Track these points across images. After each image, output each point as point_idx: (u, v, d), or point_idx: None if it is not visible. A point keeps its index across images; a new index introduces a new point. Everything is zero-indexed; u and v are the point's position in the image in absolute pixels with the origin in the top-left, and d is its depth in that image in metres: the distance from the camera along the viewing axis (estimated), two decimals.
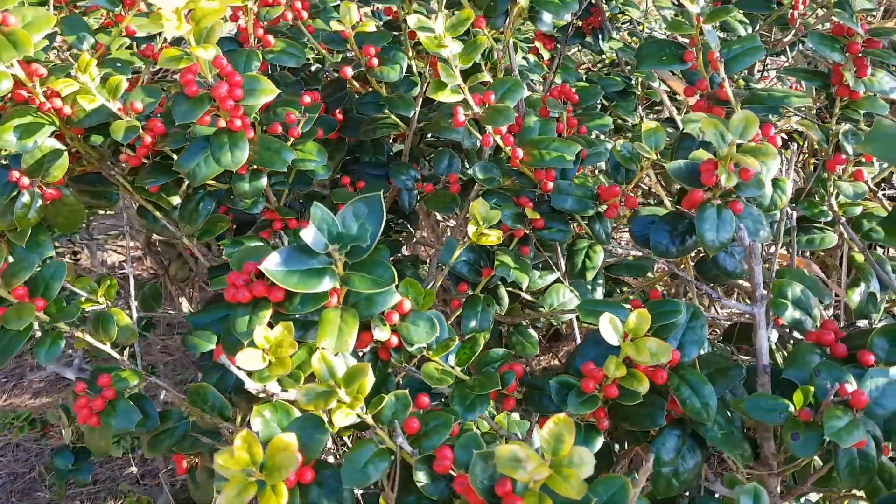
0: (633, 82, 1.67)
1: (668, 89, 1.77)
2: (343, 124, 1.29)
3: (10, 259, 1.20)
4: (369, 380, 0.73)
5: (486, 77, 0.99)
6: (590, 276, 1.26)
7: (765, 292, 0.82)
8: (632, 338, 0.78)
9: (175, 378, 2.43)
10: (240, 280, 0.78)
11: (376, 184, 1.33)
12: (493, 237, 1.04)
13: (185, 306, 1.90)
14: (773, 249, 0.95)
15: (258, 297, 0.78)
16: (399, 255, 1.53)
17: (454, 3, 1.19)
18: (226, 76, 0.92)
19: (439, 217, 2.18)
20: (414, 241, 1.92)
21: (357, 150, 1.44)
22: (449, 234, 2.19)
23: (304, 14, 1.21)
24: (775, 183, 0.94)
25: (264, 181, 1.09)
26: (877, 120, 0.74)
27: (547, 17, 1.10)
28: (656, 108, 1.91)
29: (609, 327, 0.78)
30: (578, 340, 1.37)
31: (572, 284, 1.25)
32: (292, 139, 1.10)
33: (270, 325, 0.78)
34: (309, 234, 0.76)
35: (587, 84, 1.34)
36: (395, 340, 0.86)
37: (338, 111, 1.27)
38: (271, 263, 0.74)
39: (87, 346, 1.08)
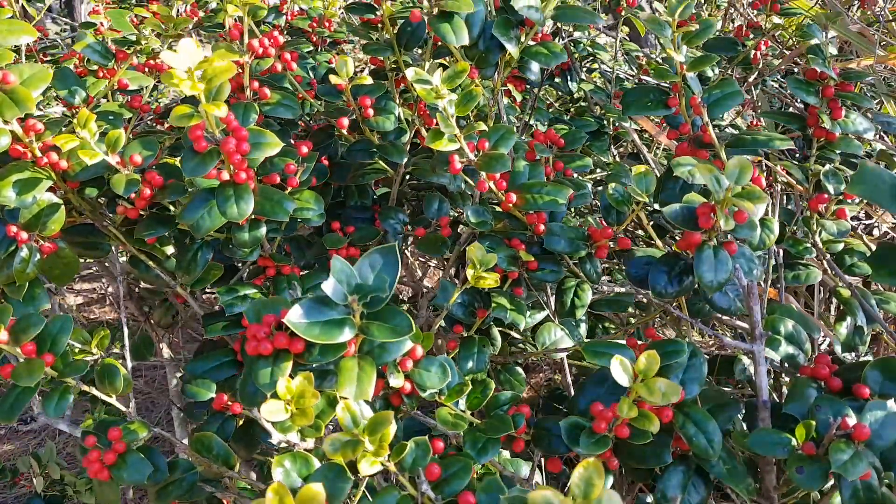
0: (605, 122, 1.73)
1: (638, 128, 1.85)
2: (330, 170, 1.32)
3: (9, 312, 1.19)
4: (392, 428, 0.75)
5: (483, 127, 1.03)
6: (579, 314, 1.29)
7: (763, 331, 0.86)
8: (642, 378, 0.81)
9: (151, 418, 2.39)
10: (261, 333, 0.79)
11: (365, 228, 1.35)
12: (491, 280, 1.07)
13: (166, 352, 1.88)
14: (762, 286, 0.99)
15: (280, 349, 0.79)
16: None
17: (440, 53, 1.23)
18: (233, 131, 0.93)
19: (410, 258, 2.21)
20: None
21: (342, 195, 1.46)
22: (422, 273, 2.21)
23: (294, 65, 1.23)
24: (763, 223, 0.99)
25: (263, 230, 1.10)
26: (861, 163, 0.80)
27: (535, 67, 1.15)
28: (619, 144, 1.96)
29: (620, 369, 0.81)
30: (569, 378, 1.40)
31: (561, 322, 1.29)
32: (290, 188, 1.12)
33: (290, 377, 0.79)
34: (329, 286, 0.78)
35: (570, 129, 1.39)
36: (408, 386, 0.88)
37: (323, 159, 1.30)
38: (295, 316, 0.76)
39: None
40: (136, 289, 1.80)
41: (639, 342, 1.08)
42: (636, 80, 2.04)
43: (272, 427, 0.77)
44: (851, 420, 0.76)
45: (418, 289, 2.19)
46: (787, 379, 1.07)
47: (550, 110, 1.93)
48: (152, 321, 1.70)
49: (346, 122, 1.14)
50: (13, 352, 0.93)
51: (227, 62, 0.84)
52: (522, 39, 1.12)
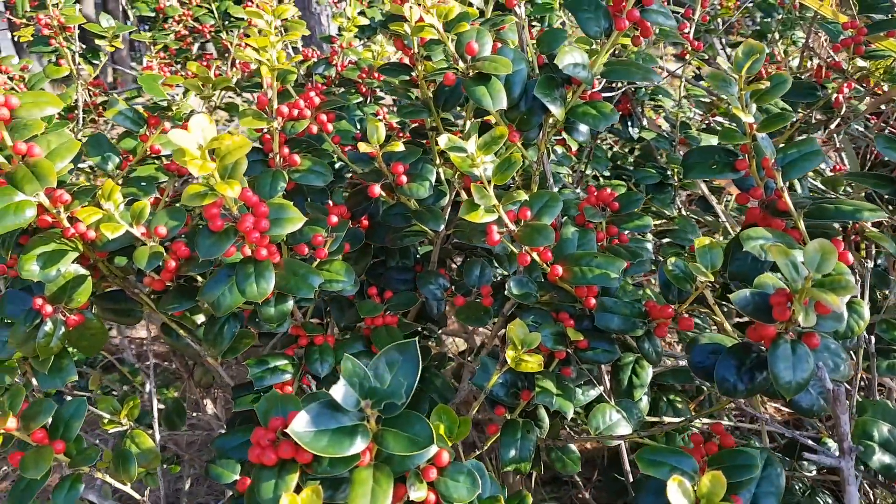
0: (668, 173, 1.61)
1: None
2: (369, 230, 1.25)
3: (34, 381, 1.17)
4: None
5: (524, 197, 0.93)
6: (638, 394, 1.18)
7: (853, 444, 0.73)
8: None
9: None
10: (265, 439, 0.72)
11: (403, 294, 1.27)
12: (533, 364, 0.97)
13: (210, 408, 1.84)
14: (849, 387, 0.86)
15: (285, 460, 0.71)
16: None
17: (482, 111, 1.15)
18: (252, 207, 0.87)
19: None
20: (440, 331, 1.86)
21: (383, 253, 1.39)
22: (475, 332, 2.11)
23: (330, 127, 1.17)
24: (850, 306, 0.86)
25: (290, 304, 1.04)
26: None
27: (583, 128, 1.05)
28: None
29: (678, 493, 0.69)
30: (627, 466, 1.27)
31: (618, 403, 1.17)
32: (318, 260, 1.05)
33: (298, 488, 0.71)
34: (339, 391, 0.70)
35: (627, 187, 1.28)
36: (432, 498, 0.78)
37: (363, 218, 1.23)
38: (299, 425, 0.68)
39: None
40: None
41: (704, 442, 0.95)
42: (705, 124, 1.91)
43: None
44: None
45: (472, 343, 2.09)
46: (882, 492, 0.92)
47: (613, 151, 1.82)
48: (193, 379, 1.66)
49: (377, 189, 1.07)
50: (23, 438, 0.89)
51: (241, 139, 0.78)
52: (569, 99, 1.03)
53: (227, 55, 1.95)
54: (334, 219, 1.04)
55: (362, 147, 1.00)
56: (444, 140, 0.93)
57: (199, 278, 1.10)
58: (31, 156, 0.97)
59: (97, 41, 1.67)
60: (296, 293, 0.96)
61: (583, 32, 0.99)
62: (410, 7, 0.96)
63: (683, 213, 1.65)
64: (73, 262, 1.03)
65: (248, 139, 0.79)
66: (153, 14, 2.16)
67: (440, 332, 1.49)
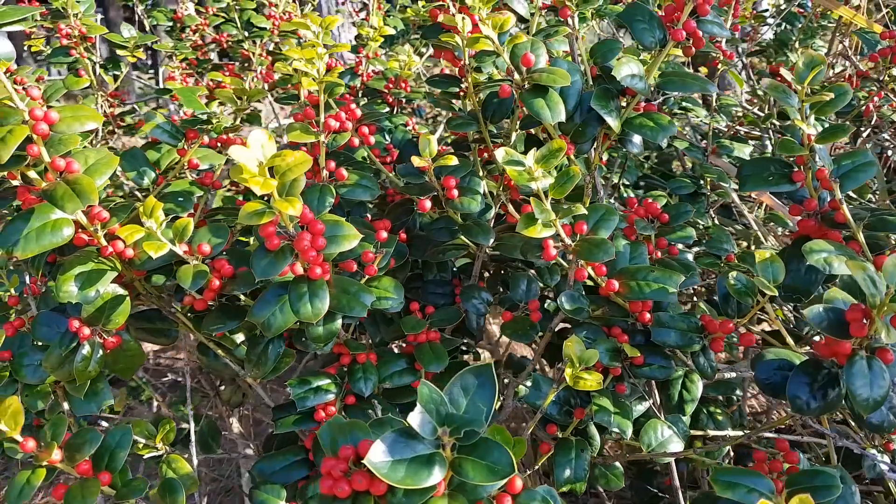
0: (702, 183, 1.59)
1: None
2: (407, 243, 1.22)
3: (66, 406, 1.13)
4: None
5: (583, 211, 0.91)
6: (689, 409, 1.15)
7: None
8: None
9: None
10: (337, 470, 0.69)
11: (445, 309, 1.25)
12: (592, 382, 0.94)
13: (236, 426, 1.80)
14: None
15: (359, 492, 0.68)
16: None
17: (527, 123, 1.12)
18: (308, 224, 0.84)
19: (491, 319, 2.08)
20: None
21: (419, 266, 1.36)
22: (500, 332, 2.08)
23: (372, 139, 1.15)
24: None
25: (339, 323, 1.01)
26: None
27: (637, 139, 1.03)
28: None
29: None
30: (676, 481, 1.24)
31: (667, 418, 1.15)
32: (367, 276, 1.02)
33: None
34: (416, 419, 0.66)
35: (669, 196, 1.25)
36: None
37: (401, 231, 1.21)
38: (377, 455, 0.65)
39: None
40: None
41: (769, 460, 0.93)
42: (731, 134, 1.89)
43: None
44: None
45: (496, 354, 2.06)
46: None
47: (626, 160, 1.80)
48: (221, 398, 1.63)
49: (428, 204, 1.04)
50: (68, 470, 0.86)
51: (301, 155, 0.75)
52: (623, 110, 1.00)
53: (247, 65, 1.92)
54: (384, 234, 1.01)
55: (416, 161, 0.97)
56: (501, 153, 0.90)
57: (242, 297, 1.06)
58: (69, 172, 0.94)
59: (118, 51, 1.64)
60: (348, 312, 0.93)
61: (637, 43, 0.96)
62: (463, 18, 0.94)
63: (716, 222, 1.63)
64: (111, 283, 1.00)
65: (308, 156, 0.76)
66: (171, 23, 2.13)
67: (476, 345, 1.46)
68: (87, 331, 1.00)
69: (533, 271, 1.31)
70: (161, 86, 1.98)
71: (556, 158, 0.91)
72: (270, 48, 2.03)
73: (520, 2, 1.04)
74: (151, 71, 3.24)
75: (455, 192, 1.03)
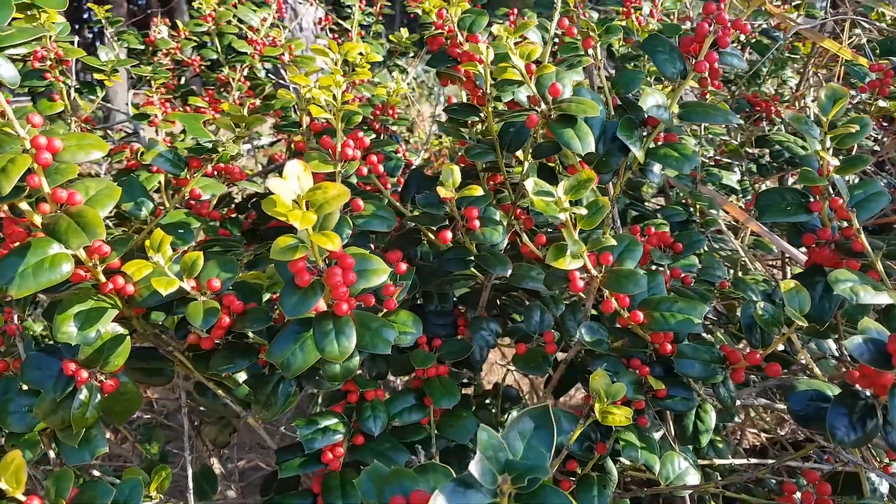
0: (692, 210, 1.60)
1: (727, 215, 1.71)
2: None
3: (51, 454, 1.05)
4: None
5: (612, 242, 0.89)
6: (704, 440, 1.14)
7: None
8: None
9: None
10: None
11: (453, 342, 1.21)
12: (620, 416, 0.92)
13: (217, 467, 1.72)
14: None
15: None
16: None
17: (543, 152, 1.11)
18: (337, 259, 0.80)
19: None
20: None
21: (418, 297, 1.33)
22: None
23: (381, 167, 1.11)
24: None
25: (357, 360, 0.97)
26: None
27: (657, 169, 1.02)
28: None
29: None
30: None
31: (682, 449, 1.13)
32: (385, 310, 0.99)
33: None
34: (477, 467, 0.63)
35: (688, 230, 1.25)
36: None
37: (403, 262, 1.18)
38: None
39: None
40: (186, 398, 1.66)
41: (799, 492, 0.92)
42: (713, 161, 1.92)
43: None
44: None
45: (478, 383, 2.03)
46: None
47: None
48: (203, 438, 1.55)
49: (449, 235, 1.01)
50: None
51: (339, 187, 0.72)
52: (644, 140, 1.00)
53: (224, 90, 1.86)
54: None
55: (441, 191, 0.94)
56: (531, 184, 0.88)
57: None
58: (71, 204, 0.88)
59: (96, 75, 1.57)
60: (371, 349, 0.89)
61: (660, 73, 0.96)
62: (488, 47, 0.92)
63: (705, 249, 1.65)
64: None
65: (346, 188, 0.72)
66: (142, 46, 2.06)
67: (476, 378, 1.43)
68: (84, 374, 0.93)
69: (541, 301, 1.29)
70: (129, 111, 1.90)
71: (585, 189, 0.89)
72: (245, 73, 1.99)
73: (533, 31, 1.03)
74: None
75: (477, 223, 1.00)
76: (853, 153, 1.48)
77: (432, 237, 1.19)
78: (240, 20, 2.01)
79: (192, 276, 0.93)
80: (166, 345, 1.08)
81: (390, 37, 2.10)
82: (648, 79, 1.32)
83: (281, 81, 2.22)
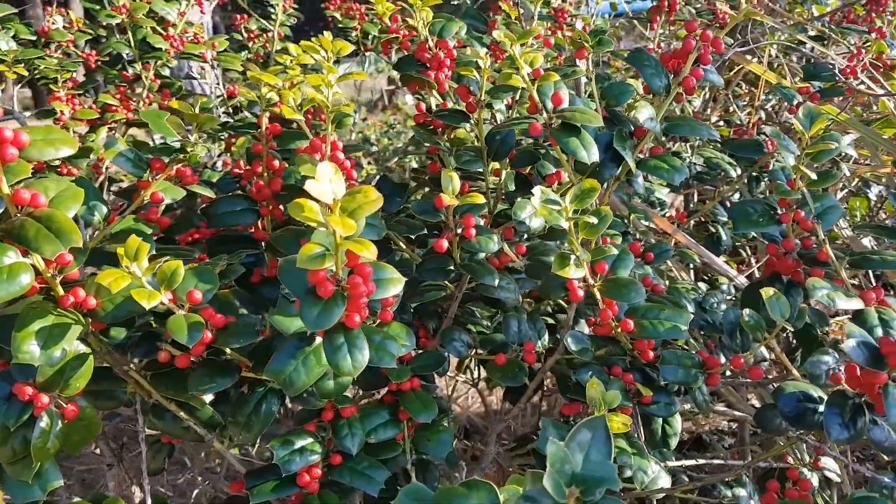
0: (627, 223, 1.66)
1: (655, 226, 1.79)
2: None
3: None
4: None
5: (614, 251, 0.90)
6: (673, 443, 1.17)
7: None
8: None
9: None
10: None
11: (425, 354, 1.18)
12: (618, 423, 0.92)
13: (138, 496, 1.57)
14: None
15: None
16: None
17: (522, 161, 1.10)
18: (355, 268, 0.76)
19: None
20: None
21: None
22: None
23: (354, 174, 1.07)
24: None
25: (350, 378, 0.91)
26: None
27: (640, 181, 1.05)
28: None
29: None
30: None
31: (652, 453, 1.16)
32: (379, 321, 0.94)
33: None
34: (550, 481, 0.61)
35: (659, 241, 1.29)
36: None
37: None
38: None
39: None
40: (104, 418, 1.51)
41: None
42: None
43: None
44: None
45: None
46: None
47: None
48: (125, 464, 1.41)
49: (445, 244, 0.98)
50: None
51: (373, 191, 0.68)
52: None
53: (131, 88, 1.71)
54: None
55: (445, 199, 0.91)
56: (538, 192, 0.87)
57: (228, 350, 0.93)
58: (35, 206, 0.78)
59: None
60: (377, 363, 0.84)
61: (648, 86, 0.99)
62: (487, 54, 0.91)
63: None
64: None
65: (379, 193, 0.68)
66: (34, 38, 1.86)
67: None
68: (45, 398, 0.82)
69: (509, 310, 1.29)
70: (15, 107, 1.72)
71: (590, 198, 0.89)
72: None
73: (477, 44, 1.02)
74: None
75: (473, 231, 0.98)
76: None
77: (403, 245, 1.16)
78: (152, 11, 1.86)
79: (171, 287, 0.84)
80: (121, 364, 0.97)
81: (312, 39, 2.03)
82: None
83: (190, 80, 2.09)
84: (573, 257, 0.89)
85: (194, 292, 0.86)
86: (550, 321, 1.39)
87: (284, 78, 1.07)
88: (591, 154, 0.91)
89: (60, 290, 0.84)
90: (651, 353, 1.04)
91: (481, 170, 1.03)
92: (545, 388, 1.69)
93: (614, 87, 1.02)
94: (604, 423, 0.66)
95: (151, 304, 0.80)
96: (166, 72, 1.85)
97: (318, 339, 0.84)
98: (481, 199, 0.91)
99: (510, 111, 1.19)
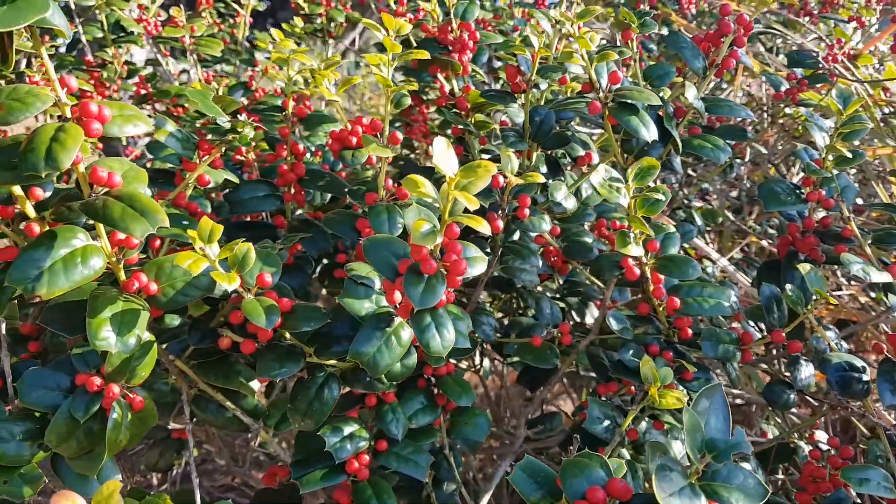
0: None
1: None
2: None
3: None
4: None
5: (671, 228, 0.93)
6: None
7: None
8: None
9: None
10: None
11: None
12: (673, 399, 0.95)
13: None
14: None
15: None
16: None
17: (552, 143, 1.12)
18: (446, 246, 0.75)
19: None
20: None
21: None
22: None
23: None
24: None
25: (415, 357, 0.91)
26: None
27: (677, 161, 1.08)
28: None
29: None
30: None
31: None
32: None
33: None
34: (689, 444, 0.63)
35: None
36: None
37: None
38: (664, 494, 0.59)
39: None
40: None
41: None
42: None
43: None
44: None
45: None
46: None
47: None
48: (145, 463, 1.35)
49: (501, 223, 0.98)
50: None
51: (488, 163, 0.67)
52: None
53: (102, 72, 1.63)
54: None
55: (508, 179, 0.91)
56: (602, 171, 0.89)
57: (287, 335, 0.90)
58: (111, 185, 0.74)
59: None
60: (454, 343, 0.84)
61: (689, 66, 1.02)
62: (538, 35, 0.92)
63: None
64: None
65: (493, 164, 0.68)
66: None
67: None
68: (115, 389, 0.78)
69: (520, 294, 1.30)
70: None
71: (651, 176, 0.92)
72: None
73: (543, 18, 1.03)
74: None
75: (527, 212, 0.98)
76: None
77: None
78: None
79: (242, 271, 0.81)
80: (165, 353, 0.93)
81: (283, 25, 1.98)
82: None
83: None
84: (631, 235, 0.91)
85: (264, 275, 0.84)
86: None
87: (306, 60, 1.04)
88: (651, 132, 0.93)
89: (123, 275, 0.80)
90: (689, 331, 1.08)
91: (524, 149, 1.04)
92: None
93: (656, 67, 1.04)
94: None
95: (233, 285, 0.78)
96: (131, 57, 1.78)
97: (397, 320, 0.83)
98: (541, 178, 0.91)
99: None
